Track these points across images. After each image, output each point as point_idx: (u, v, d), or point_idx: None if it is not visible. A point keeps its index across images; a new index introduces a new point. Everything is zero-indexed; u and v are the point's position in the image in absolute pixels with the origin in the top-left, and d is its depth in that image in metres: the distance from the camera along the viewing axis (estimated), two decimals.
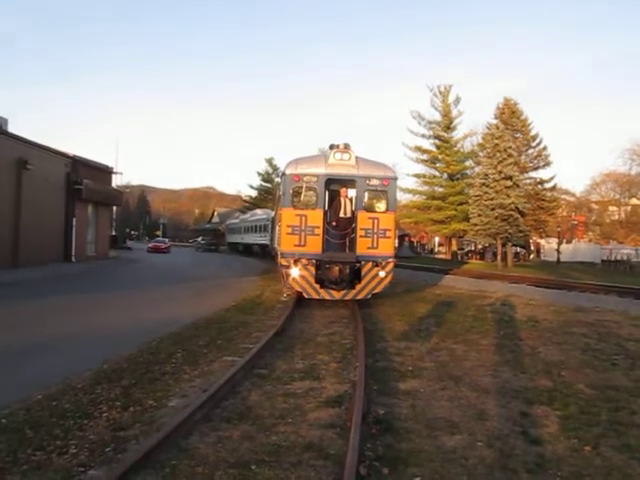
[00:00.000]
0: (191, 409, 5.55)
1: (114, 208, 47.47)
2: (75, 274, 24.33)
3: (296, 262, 14.00)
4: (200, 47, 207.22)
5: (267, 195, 71.37)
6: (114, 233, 54.46)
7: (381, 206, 14.56)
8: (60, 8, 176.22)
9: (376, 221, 14.33)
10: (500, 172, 39.21)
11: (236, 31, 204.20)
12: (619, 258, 47.54)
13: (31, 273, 21.85)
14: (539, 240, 59.18)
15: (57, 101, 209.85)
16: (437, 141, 53.72)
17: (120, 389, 6.65)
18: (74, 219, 30.54)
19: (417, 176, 55.14)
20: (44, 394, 6.33)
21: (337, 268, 14.03)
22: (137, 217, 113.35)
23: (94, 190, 32.60)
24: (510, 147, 40.50)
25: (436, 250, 70.64)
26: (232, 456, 4.76)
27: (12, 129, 26.85)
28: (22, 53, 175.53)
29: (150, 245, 59.45)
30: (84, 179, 31.07)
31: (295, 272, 14.00)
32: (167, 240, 68.63)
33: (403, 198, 55.36)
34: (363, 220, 14.33)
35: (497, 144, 40.22)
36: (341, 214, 14.69)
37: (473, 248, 60.14)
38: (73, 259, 30.02)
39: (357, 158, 14.62)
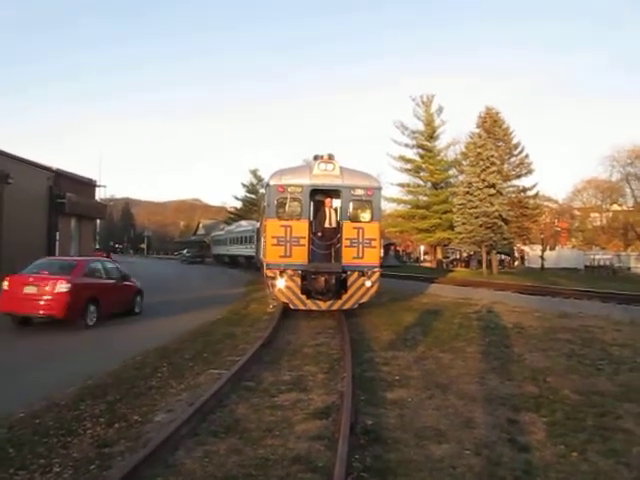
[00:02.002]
0: (177, 424, 5.49)
1: (98, 221, 47.03)
2: None
3: (282, 273, 13.96)
4: (184, 59, 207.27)
5: (252, 206, 71.31)
6: (98, 247, 53.96)
7: (366, 216, 14.59)
8: (40, 11, 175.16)
9: (361, 231, 14.35)
10: (483, 180, 39.60)
11: (219, 45, 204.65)
12: (602, 264, 48.13)
13: None
14: (523, 247, 59.73)
15: (38, 111, 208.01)
16: (420, 150, 54.13)
17: (105, 405, 6.56)
18: (57, 233, 30.22)
19: (401, 185, 55.52)
20: (27, 412, 6.23)
21: (323, 278, 14.01)
22: (121, 230, 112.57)
23: (77, 204, 32.30)
24: (493, 156, 40.96)
25: (421, 259, 70.93)
26: (219, 471, 4.71)
27: None
28: None
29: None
30: (67, 193, 30.77)
31: (281, 283, 13.96)
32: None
33: (388, 207, 55.61)
34: (348, 230, 14.34)
35: (480, 153, 40.64)
36: (326, 224, 14.70)
37: (458, 256, 60.49)
38: None
39: (341, 168, 14.66)
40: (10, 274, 12.86)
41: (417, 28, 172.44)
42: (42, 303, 12.00)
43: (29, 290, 12.12)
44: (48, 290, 12.00)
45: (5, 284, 12.42)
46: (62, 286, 12.04)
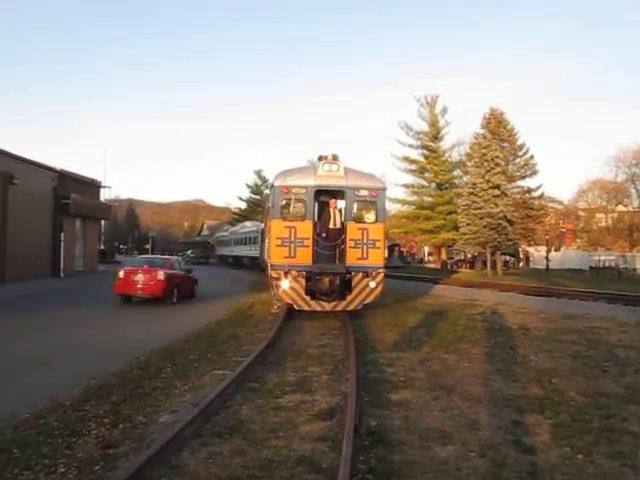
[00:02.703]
0: (181, 425, 5.49)
1: (102, 222, 47.24)
2: (61, 290, 24.05)
3: (286, 274, 13.95)
4: (188, 58, 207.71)
5: (256, 207, 71.32)
6: (102, 247, 54.13)
7: (370, 217, 14.57)
8: (42, 10, 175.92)
9: (365, 232, 14.33)
10: (488, 181, 39.51)
11: (220, 45, 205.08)
12: (607, 265, 47.92)
13: (16, 289, 21.63)
14: (528, 248, 59.55)
15: (41, 111, 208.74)
16: (425, 151, 54.03)
17: (109, 405, 6.57)
18: (62, 234, 30.34)
19: (406, 186, 55.42)
20: (31, 412, 6.23)
21: (327, 279, 13.99)
22: (126, 231, 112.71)
23: (82, 204, 32.42)
24: (497, 156, 40.85)
25: (426, 259, 70.82)
26: (223, 472, 4.70)
27: None
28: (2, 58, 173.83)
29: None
30: (72, 193, 30.91)
31: (285, 284, 13.95)
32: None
33: (392, 208, 55.45)
34: (352, 231, 14.32)
35: (484, 154, 40.56)
36: (330, 225, 14.68)
37: (463, 257, 60.37)
38: (61, 274, 29.77)
39: (346, 169, 14.64)
40: (123, 267, 19.06)
41: (418, 28, 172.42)
42: (148, 286, 17.50)
43: (138, 278, 17.62)
44: (152, 278, 17.54)
45: (120, 274, 17.87)
46: (161, 275, 17.55)
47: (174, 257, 24.02)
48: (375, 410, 6.46)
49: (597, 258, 51.18)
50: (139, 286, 17.46)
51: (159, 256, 27.74)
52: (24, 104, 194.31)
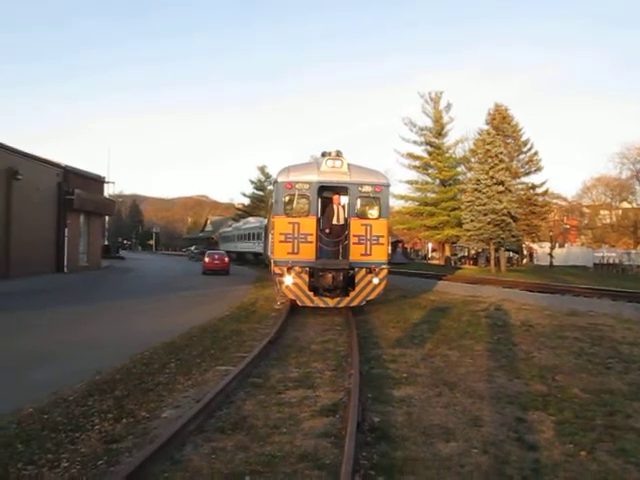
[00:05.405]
0: (184, 420, 5.49)
1: (106, 218, 47.36)
2: (65, 285, 24.12)
3: (289, 270, 13.95)
4: (193, 55, 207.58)
5: (260, 203, 71.39)
6: (106, 243, 54.26)
7: (374, 213, 14.55)
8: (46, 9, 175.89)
9: (369, 228, 14.31)
10: (492, 177, 39.41)
11: (227, 42, 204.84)
12: (611, 261, 47.80)
13: (21, 285, 21.69)
14: (532, 245, 59.41)
15: (46, 108, 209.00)
16: (429, 147, 53.94)
17: (113, 400, 6.58)
18: (66, 229, 30.40)
19: (409, 182, 55.38)
20: (35, 407, 6.25)
21: (330, 275, 13.99)
22: (130, 226, 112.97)
23: (86, 200, 32.48)
24: (501, 153, 40.73)
25: (429, 256, 70.67)
26: (226, 467, 4.71)
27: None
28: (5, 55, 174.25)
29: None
30: (76, 189, 30.95)
31: (288, 280, 13.94)
32: None
33: (396, 204, 55.52)
34: (356, 227, 14.30)
35: (488, 150, 40.44)
36: (334, 221, 14.65)
37: (466, 253, 60.27)
38: (65, 269, 29.84)
39: (349, 165, 14.61)
40: (207, 255, 35.62)
41: (422, 26, 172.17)
42: (220, 265, 33.65)
43: (215, 261, 34.03)
44: (222, 261, 34.17)
45: (206, 260, 34.27)
46: (226, 260, 34.54)
47: (223, 251, 39.96)
48: (378, 406, 6.46)
49: (601, 255, 51.08)
50: (216, 265, 33.21)
51: (220, 250, 42.42)
52: (29, 101, 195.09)
